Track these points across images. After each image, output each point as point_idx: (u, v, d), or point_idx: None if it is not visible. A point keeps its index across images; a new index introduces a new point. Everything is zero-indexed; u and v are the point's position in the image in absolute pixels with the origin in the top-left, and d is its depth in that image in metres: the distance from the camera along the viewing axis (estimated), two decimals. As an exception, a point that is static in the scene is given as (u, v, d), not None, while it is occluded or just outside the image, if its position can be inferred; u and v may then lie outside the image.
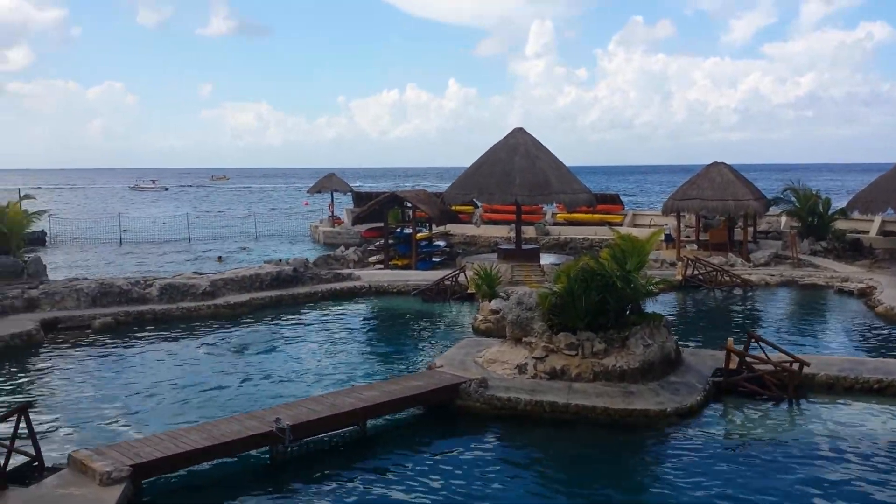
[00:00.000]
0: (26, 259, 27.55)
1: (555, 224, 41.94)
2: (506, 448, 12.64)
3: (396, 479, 11.34)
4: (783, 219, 38.00)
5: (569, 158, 32.01)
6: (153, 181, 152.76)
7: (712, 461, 11.75)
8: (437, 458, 12.05)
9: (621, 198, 46.54)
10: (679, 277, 26.75)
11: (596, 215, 40.67)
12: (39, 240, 41.96)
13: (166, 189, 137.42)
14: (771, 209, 35.80)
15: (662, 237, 29.36)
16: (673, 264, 29.00)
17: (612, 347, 14.46)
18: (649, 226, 36.60)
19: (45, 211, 34.92)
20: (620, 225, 38.59)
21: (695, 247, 32.70)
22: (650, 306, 15.77)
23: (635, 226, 38.45)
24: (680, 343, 16.24)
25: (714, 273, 26.72)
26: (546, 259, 29.55)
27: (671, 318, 19.62)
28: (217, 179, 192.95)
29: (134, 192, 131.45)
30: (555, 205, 37.81)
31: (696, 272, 26.84)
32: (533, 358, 14.75)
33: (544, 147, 29.94)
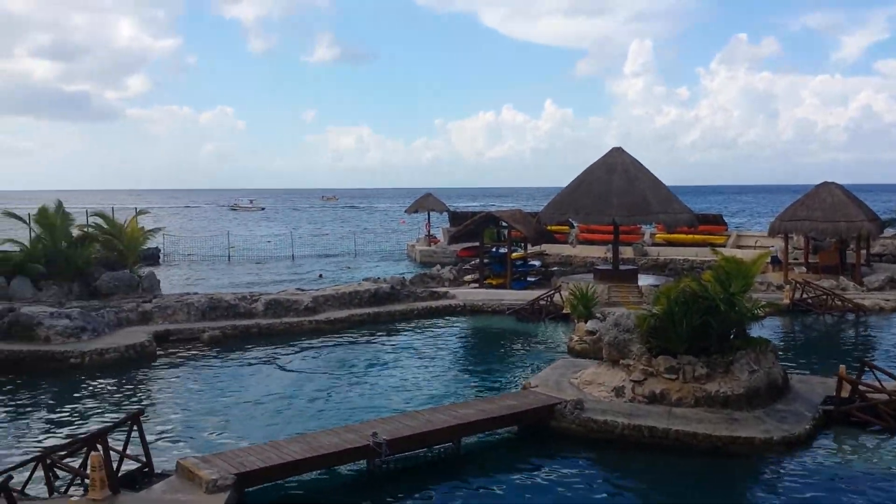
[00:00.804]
0: (141, 274, 29.10)
1: (653, 244, 41.08)
2: (602, 472, 12.40)
3: (490, 498, 11.30)
4: (900, 241, 36.03)
5: (668, 178, 31.34)
6: (251, 201, 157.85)
7: (821, 493, 11.21)
8: (531, 479, 11.94)
9: (724, 218, 45.15)
10: (787, 301, 25.77)
11: (697, 236, 39.57)
12: (154, 256, 44.01)
13: (262, 209, 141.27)
14: (886, 231, 34.06)
15: (769, 259, 28.33)
16: (780, 287, 27.92)
17: (715, 372, 14.00)
18: (754, 247, 35.40)
19: (159, 229, 36.70)
20: (723, 246, 37.38)
21: (804, 269, 31.38)
22: (756, 331, 15.24)
23: (739, 247, 37.21)
24: (787, 369, 15.60)
25: (824, 297, 25.59)
26: (644, 280, 28.97)
27: (778, 343, 18.85)
28: (327, 200, 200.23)
29: (233, 212, 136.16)
30: (653, 224, 37.05)
31: (805, 296, 25.79)
32: (631, 381, 14.45)
33: (643, 166, 29.40)
